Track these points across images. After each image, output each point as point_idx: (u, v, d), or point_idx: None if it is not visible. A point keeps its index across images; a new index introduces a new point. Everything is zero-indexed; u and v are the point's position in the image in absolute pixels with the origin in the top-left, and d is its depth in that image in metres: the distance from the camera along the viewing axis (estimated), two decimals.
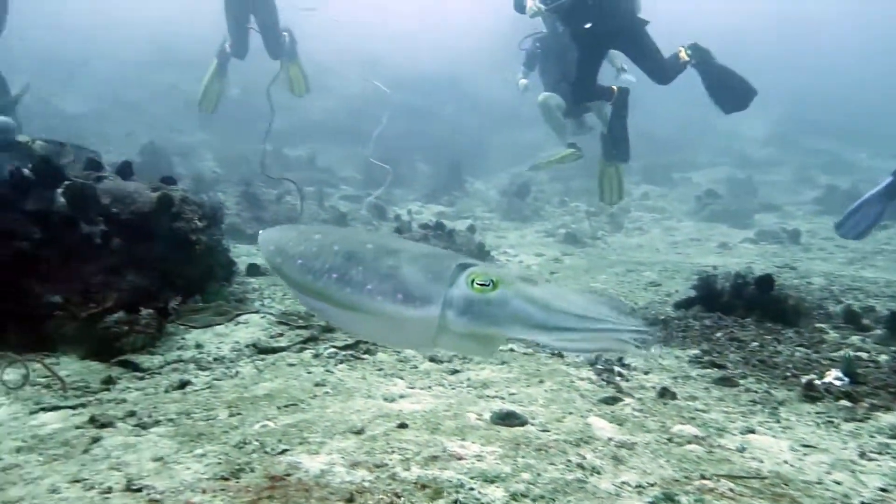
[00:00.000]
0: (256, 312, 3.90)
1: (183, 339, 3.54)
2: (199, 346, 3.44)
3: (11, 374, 2.92)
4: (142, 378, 3.02)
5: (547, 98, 6.83)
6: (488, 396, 2.81)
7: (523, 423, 2.44)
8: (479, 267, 1.82)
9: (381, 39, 20.05)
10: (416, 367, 3.29)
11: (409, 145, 14.29)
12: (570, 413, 2.57)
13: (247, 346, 3.46)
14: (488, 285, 1.76)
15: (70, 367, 3.13)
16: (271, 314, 3.91)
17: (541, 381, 3.01)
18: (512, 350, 3.60)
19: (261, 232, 2.24)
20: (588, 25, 5.96)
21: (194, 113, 16.20)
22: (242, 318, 3.81)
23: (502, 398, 2.78)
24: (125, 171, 4.39)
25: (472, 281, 1.77)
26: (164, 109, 15.67)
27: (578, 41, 6.20)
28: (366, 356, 3.40)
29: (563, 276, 6.38)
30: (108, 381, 2.94)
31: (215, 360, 3.29)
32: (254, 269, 5.67)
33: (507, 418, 2.45)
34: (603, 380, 3.07)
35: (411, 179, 13.12)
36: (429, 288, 1.79)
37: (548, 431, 2.37)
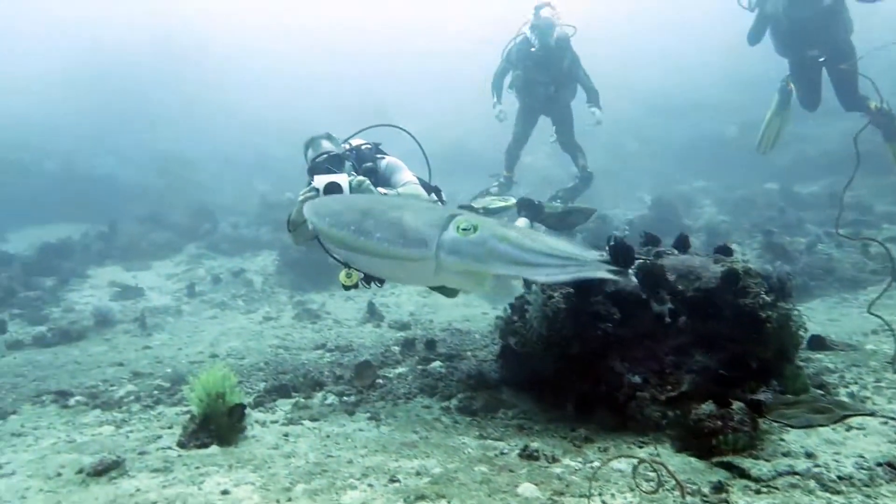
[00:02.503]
0: (871, 415, 3.09)
1: (782, 440, 3.02)
2: (809, 454, 2.86)
3: (622, 464, 2.93)
4: (757, 491, 2.62)
5: None
6: None
7: None
8: (465, 214, 2.27)
9: None
10: None
11: None
12: None
13: (878, 465, 2.70)
14: (470, 229, 2.19)
15: (671, 461, 2.97)
16: (893, 419, 3.04)
17: None
18: None
19: (308, 203, 2.75)
20: None
21: (686, 161, 16.17)
22: (854, 421, 3.06)
23: None
24: (683, 244, 4.24)
25: (458, 226, 2.20)
26: (658, 159, 16.13)
27: None
28: None
29: None
30: (720, 489, 2.63)
31: (840, 478, 2.65)
32: (818, 342, 4.80)
33: None
34: None
35: None
36: (425, 233, 2.21)
37: None
